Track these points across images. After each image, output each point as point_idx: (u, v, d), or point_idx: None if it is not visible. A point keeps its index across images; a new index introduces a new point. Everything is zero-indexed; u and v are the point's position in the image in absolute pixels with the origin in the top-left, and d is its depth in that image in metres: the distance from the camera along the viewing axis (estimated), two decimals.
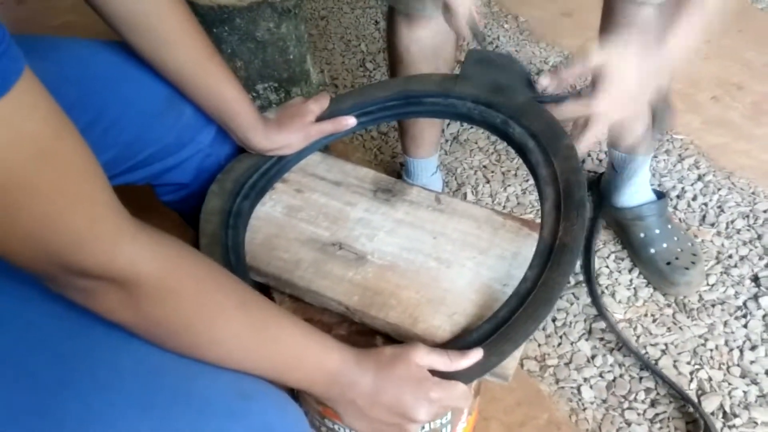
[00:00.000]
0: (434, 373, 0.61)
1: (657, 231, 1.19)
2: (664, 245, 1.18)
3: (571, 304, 1.16)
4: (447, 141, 1.53)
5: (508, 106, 0.77)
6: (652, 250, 1.18)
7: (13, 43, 0.35)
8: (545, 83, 0.74)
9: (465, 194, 1.39)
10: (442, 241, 0.77)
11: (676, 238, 1.19)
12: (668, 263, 1.16)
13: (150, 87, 0.74)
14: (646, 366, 1.05)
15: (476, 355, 0.61)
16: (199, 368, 0.52)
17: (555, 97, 0.74)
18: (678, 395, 1.01)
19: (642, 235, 1.20)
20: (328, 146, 0.89)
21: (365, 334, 0.72)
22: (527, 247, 0.74)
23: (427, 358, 0.61)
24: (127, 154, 0.75)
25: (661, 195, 1.24)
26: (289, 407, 0.58)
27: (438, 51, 1.10)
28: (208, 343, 0.52)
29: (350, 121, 0.84)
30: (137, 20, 0.68)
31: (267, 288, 0.77)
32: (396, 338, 0.70)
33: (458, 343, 0.65)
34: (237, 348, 0.53)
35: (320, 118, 0.84)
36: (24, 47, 0.36)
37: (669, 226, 1.21)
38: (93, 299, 0.45)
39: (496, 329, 0.63)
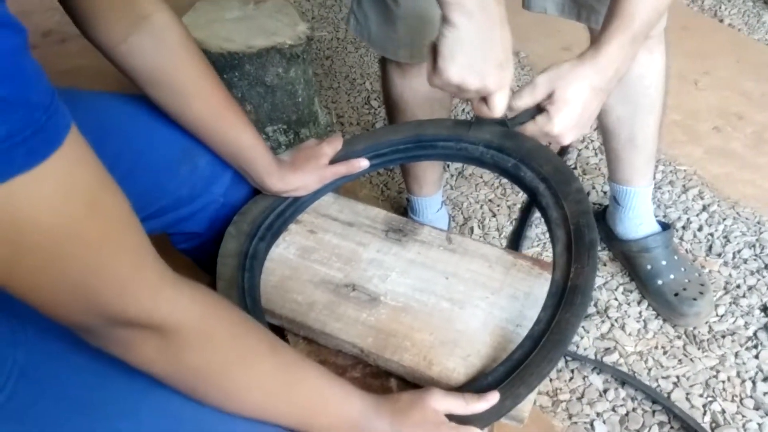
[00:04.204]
0: (450, 417, 0.62)
1: (664, 262, 1.20)
2: (672, 276, 1.19)
3: (582, 337, 1.16)
4: (452, 176, 1.55)
5: (518, 150, 0.78)
6: (660, 282, 1.19)
7: (60, 99, 0.36)
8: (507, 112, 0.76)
9: (472, 228, 1.41)
10: (455, 282, 0.78)
11: (683, 269, 1.20)
12: (676, 294, 1.17)
13: (164, 139, 0.76)
14: (655, 399, 1.05)
15: (493, 398, 0.62)
16: (218, 419, 0.53)
17: (522, 118, 0.76)
18: (691, 429, 1.01)
19: (649, 267, 1.21)
20: (338, 187, 0.91)
21: (379, 377, 0.73)
22: (539, 286, 0.75)
23: (443, 402, 0.61)
24: (140, 204, 0.76)
25: (666, 226, 1.25)
26: None
27: (432, 96, 1.11)
28: (243, 389, 0.52)
29: (363, 164, 0.86)
30: (155, 74, 0.70)
31: (281, 330, 0.78)
32: (410, 381, 0.71)
33: (473, 386, 0.65)
34: (268, 393, 0.54)
35: (334, 160, 0.86)
36: None
37: (675, 257, 1.22)
38: (132, 350, 0.46)
39: (511, 372, 0.64)
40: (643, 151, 1.16)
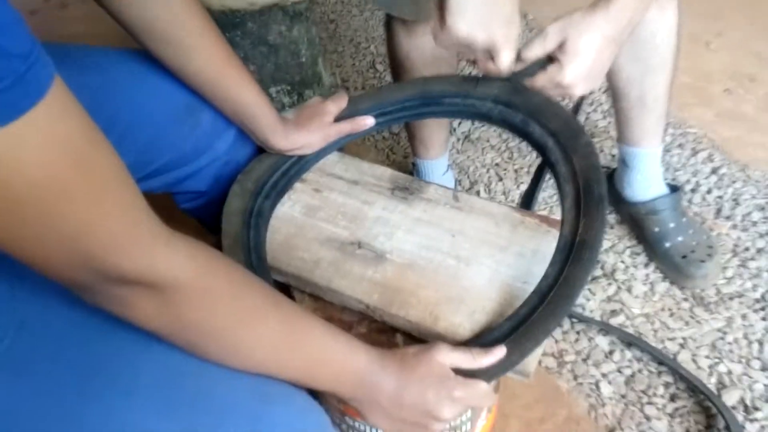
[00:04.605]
0: (456, 371, 0.62)
1: (672, 225, 1.19)
2: (680, 239, 1.18)
3: (588, 300, 1.16)
4: (459, 140, 1.53)
5: (526, 105, 0.77)
6: (668, 244, 1.18)
7: (43, 50, 0.35)
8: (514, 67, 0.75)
9: (478, 192, 1.40)
10: (461, 240, 0.77)
11: (691, 231, 1.19)
12: (684, 257, 1.16)
13: (166, 94, 0.75)
14: (661, 361, 1.05)
15: (500, 352, 0.61)
16: (220, 373, 0.53)
17: (530, 71, 0.75)
18: (697, 389, 1.01)
19: (656, 229, 1.20)
20: (342, 147, 0.90)
21: (385, 332, 0.73)
22: (547, 243, 0.74)
23: (450, 357, 0.61)
24: (142, 161, 0.76)
25: (675, 188, 1.23)
26: (313, 410, 0.58)
27: (438, 55, 1.09)
28: (246, 345, 0.52)
29: (369, 122, 0.85)
30: (156, 27, 0.68)
31: (287, 287, 0.78)
32: (416, 336, 0.71)
33: (479, 341, 0.65)
34: (272, 348, 0.53)
35: (338, 118, 0.84)
36: None
37: (684, 220, 1.21)
38: (130, 307, 0.45)
39: (518, 327, 0.63)
40: (653, 111, 1.13)
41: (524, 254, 0.75)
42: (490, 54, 0.72)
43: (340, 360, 0.57)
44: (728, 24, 1.79)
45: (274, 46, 1.07)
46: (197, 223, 0.94)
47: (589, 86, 0.74)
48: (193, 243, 0.48)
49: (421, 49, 1.09)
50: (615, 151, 1.44)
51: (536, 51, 0.73)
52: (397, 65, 1.15)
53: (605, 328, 1.10)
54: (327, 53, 1.83)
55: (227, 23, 1.02)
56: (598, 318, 1.13)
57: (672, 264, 1.17)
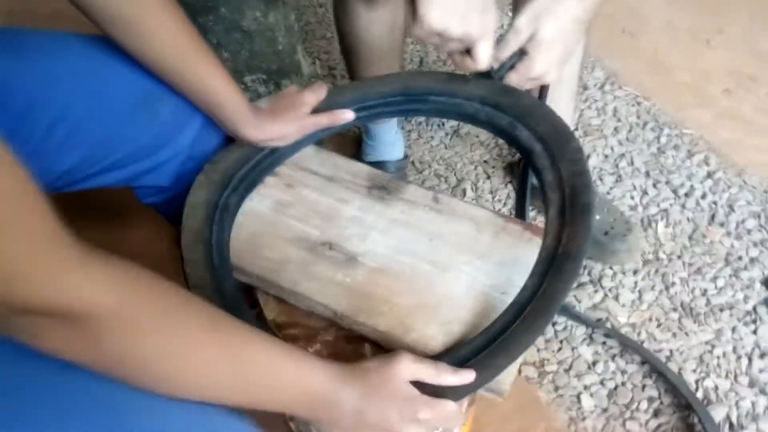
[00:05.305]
0: (423, 390, 0.57)
1: None
2: (597, 217, 1.18)
3: (573, 307, 1.12)
4: (447, 134, 1.48)
5: (514, 107, 0.72)
6: None
7: None
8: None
9: (464, 190, 1.35)
10: (439, 244, 0.72)
11: (606, 209, 1.20)
12: (606, 233, 1.17)
13: (122, 82, 0.70)
14: (653, 369, 1.01)
15: (468, 376, 0.57)
16: (151, 400, 0.47)
17: (507, 67, 0.73)
18: (682, 404, 0.97)
19: None
20: (321, 140, 0.85)
21: (353, 341, 0.68)
22: (529, 252, 0.70)
23: (412, 368, 0.57)
24: (96, 155, 0.71)
25: None
26: None
27: (395, 30, 1.07)
28: (181, 374, 0.47)
29: (348, 116, 0.80)
30: (114, 9, 0.63)
31: (252, 288, 0.73)
32: (385, 347, 0.66)
33: (451, 357, 0.60)
34: (212, 375, 0.48)
35: (317, 110, 0.79)
36: None
37: (597, 199, 1.20)
38: (41, 339, 0.40)
39: (491, 342, 0.59)
40: (568, 86, 1.12)
41: (505, 263, 0.70)
42: (466, 47, 0.69)
43: (292, 382, 0.53)
44: (729, 20, 1.74)
45: (249, 33, 1.02)
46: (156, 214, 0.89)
47: (561, 70, 0.73)
48: (115, 264, 0.42)
49: (382, 22, 1.05)
50: (608, 151, 1.40)
51: (511, 48, 0.70)
52: (350, 44, 1.10)
53: (596, 328, 1.06)
54: (315, 39, 1.77)
55: (199, 7, 0.97)
56: (582, 328, 1.09)
57: (596, 242, 1.16)
